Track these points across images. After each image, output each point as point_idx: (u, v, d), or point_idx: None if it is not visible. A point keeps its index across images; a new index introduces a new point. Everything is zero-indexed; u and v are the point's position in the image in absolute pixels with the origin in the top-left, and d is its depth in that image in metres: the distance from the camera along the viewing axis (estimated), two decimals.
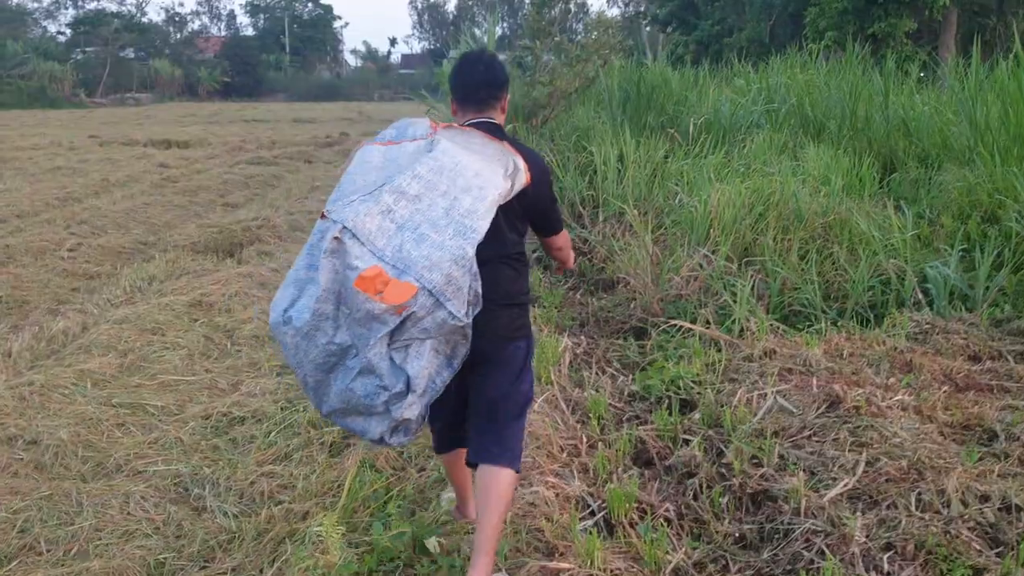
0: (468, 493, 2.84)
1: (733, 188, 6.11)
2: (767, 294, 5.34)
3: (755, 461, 3.41)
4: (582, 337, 5.42)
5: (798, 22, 31.17)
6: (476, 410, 2.58)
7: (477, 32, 13.38)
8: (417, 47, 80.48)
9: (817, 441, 3.43)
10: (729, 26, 33.06)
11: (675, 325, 5.03)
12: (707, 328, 4.88)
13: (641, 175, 7.68)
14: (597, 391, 4.29)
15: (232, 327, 5.42)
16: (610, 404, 4.14)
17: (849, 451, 3.27)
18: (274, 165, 15.52)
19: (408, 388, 2.27)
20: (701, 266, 5.66)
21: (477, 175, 2.34)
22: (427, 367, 2.29)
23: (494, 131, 2.59)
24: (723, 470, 3.41)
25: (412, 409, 2.30)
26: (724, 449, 3.56)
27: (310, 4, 74.16)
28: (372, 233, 2.19)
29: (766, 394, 3.89)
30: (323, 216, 2.28)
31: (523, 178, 2.45)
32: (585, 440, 3.66)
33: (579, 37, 9.60)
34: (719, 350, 4.70)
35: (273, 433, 3.64)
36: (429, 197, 2.27)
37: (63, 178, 13.34)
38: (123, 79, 55.07)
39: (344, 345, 2.24)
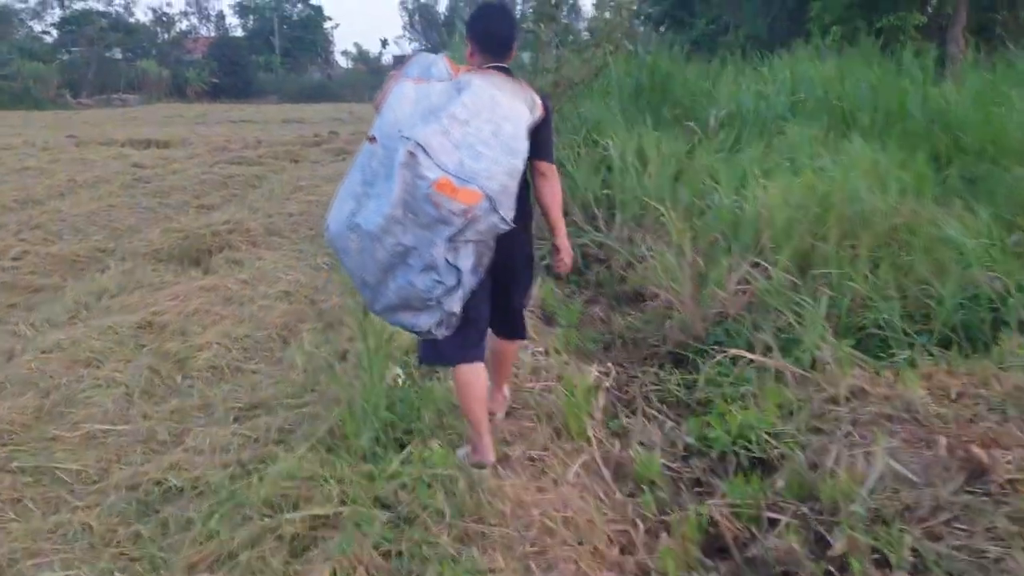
0: (485, 425, 3.02)
1: (783, 186, 5.18)
2: (835, 313, 4.39)
3: (877, 557, 2.47)
4: (609, 365, 4.47)
5: (797, 18, 30.24)
6: (504, 303, 3.08)
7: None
8: (408, 48, 79.31)
9: (964, 531, 2.49)
10: (725, 24, 32.19)
11: (727, 353, 4.08)
12: (771, 358, 3.94)
13: (665, 172, 6.74)
14: (643, 445, 3.35)
15: (185, 355, 4.45)
16: (663, 464, 3.20)
17: (1021, 551, 2.34)
18: (257, 165, 14.52)
19: (458, 283, 2.70)
20: (751, 278, 4.73)
21: (510, 107, 2.74)
22: (468, 267, 2.72)
23: (507, 73, 2.94)
24: (833, 569, 2.47)
25: (457, 303, 2.74)
26: (828, 536, 2.62)
27: (300, 5, 72.96)
28: (436, 150, 2.57)
29: (872, 453, 2.95)
30: (371, 140, 2.72)
31: (539, 111, 2.84)
32: (640, 525, 2.71)
33: (587, 22, 8.65)
34: (785, 384, 3.77)
35: (217, 516, 2.68)
36: (475, 123, 2.64)
37: (28, 179, 12.33)
38: (110, 80, 53.85)
39: (408, 246, 2.63)
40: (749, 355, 3.95)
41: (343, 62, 78.43)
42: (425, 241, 2.60)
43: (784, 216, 4.87)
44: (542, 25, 8.55)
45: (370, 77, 64.18)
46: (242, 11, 73.13)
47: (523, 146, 2.73)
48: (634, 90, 9.47)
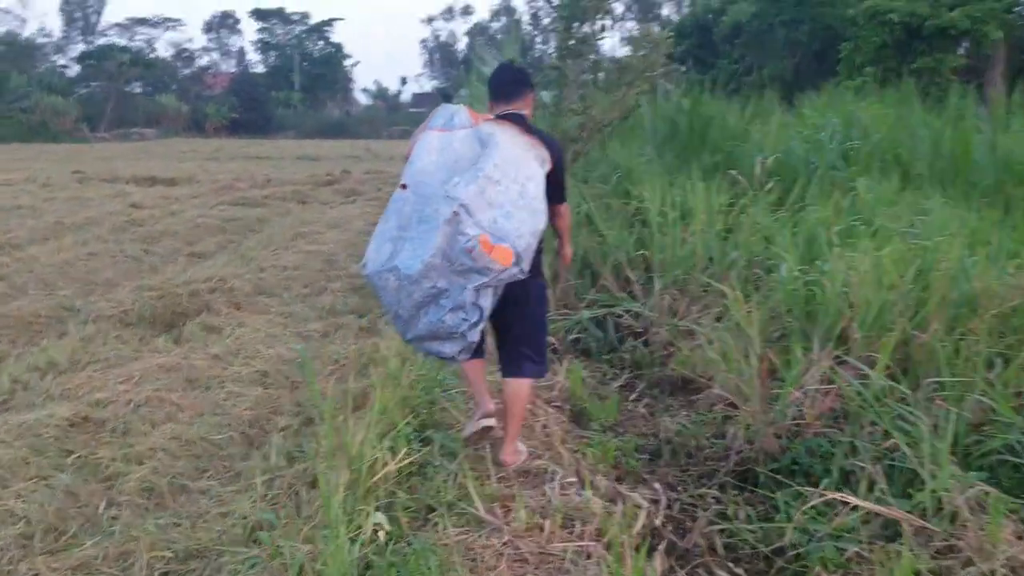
0: (484, 391, 3.45)
1: (868, 257, 4.21)
2: (948, 431, 3.39)
3: None
4: (658, 487, 3.51)
5: (824, 59, 29.53)
6: (508, 335, 3.43)
7: (485, 70, 11.81)
8: (428, 86, 79.24)
9: None
10: (748, 64, 31.49)
11: (823, 496, 3.08)
12: (883, 503, 2.94)
13: (712, 230, 5.80)
14: None
15: (118, 470, 3.51)
16: None
17: None
18: (261, 206, 13.70)
19: (481, 319, 3.06)
20: (835, 376, 3.74)
21: (529, 166, 3.11)
22: (488, 305, 3.08)
23: (521, 121, 3.33)
24: None
25: (478, 335, 3.13)
26: None
27: (321, 42, 73.22)
28: (474, 209, 2.90)
29: None
30: (403, 187, 3.09)
31: (548, 165, 3.21)
32: None
33: (616, 54, 7.74)
34: (898, 538, 2.78)
35: None
36: (505, 183, 2.99)
37: (14, 220, 11.56)
38: (128, 114, 53.84)
39: (442, 288, 2.96)
40: (852, 499, 2.94)
41: (362, 99, 78.42)
42: (457, 286, 2.95)
43: (876, 298, 3.89)
44: (568, 62, 7.68)
45: (388, 114, 63.99)
46: (263, 48, 73.39)
47: (544, 207, 3.13)
48: (668, 134, 8.59)
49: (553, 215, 3.33)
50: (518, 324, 3.36)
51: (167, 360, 4.88)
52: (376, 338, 5.39)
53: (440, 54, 79.04)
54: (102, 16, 71.11)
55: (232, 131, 54.38)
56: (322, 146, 38.79)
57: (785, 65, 30.92)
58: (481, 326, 3.08)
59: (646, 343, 5.40)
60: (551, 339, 5.38)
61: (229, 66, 75.30)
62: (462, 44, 76.48)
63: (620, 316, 5.69)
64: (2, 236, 9.83)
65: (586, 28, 8.05)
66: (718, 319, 5.30)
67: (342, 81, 75.12)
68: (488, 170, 2.93)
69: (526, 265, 3.02)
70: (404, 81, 79.98)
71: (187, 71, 68.15)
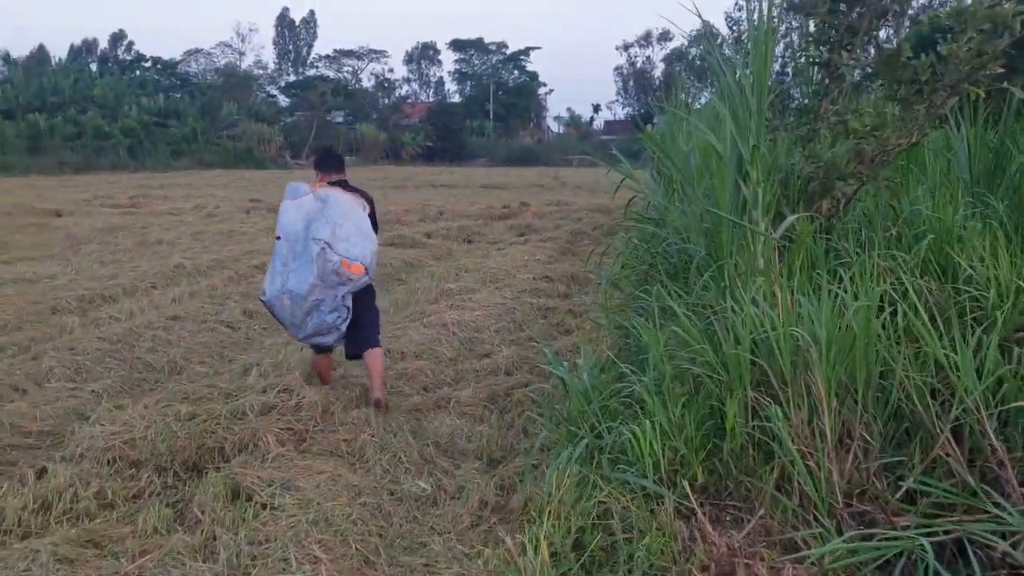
0: (329, 374, 5.03)
1: None
2: None
3: None
4: None
5: None
6: (357, 323, 4.79)
7: (682, 96, 9.53)
8: (621, 113, 76.70)
9: None
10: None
11: None
12: None
13: None
14: None
15: None
16: None
17: None
18: (418, 247, 11.67)
19: (349, 314, 4.68)
20: None
21: (357, 211, 4.71)
22: (350, 305, 4.71)
23: (345, 184, 4.90)
24: None
25: (345, 325, 4.69)
26: None
27: (516, 71, 72.80)
28: (333, 243, 4.48)
29: None
30: (278, 238, 4.64)
31: (368, 208, 4.88)
32: None
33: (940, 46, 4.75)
34: None
35: None
36: (345, 225, 4.57)
37: (137, 260, 10.10)
38: (329, 142, 55.19)
39: (321, 299, 4.52)
40: None
41: (555, 127, 77.15)
42: (331, 295, 4.56)
43: None
44: (843, 54, 4.84)
45: (580, 142, 62.03)
46: (460, 77, 73.93)
47: (374, 235, 4.81)
48: (987, 171, 5.51)
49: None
50: (364, 315, 4.85)
51: (146, 561, 2.53)
52: (519, 533, 2.82)
53: (634, 81, 76.35)
54: (312, 49, 74.16)
55: (427, 159, 54.55)
56: (510, 174, 37.18)
57: None
58: (349, 319, 4.68)
59: None
60: None
61: (427, 95, 76.48)
62: (658, 71, 73.47)
63: (976, 537, 2.80)
64: (101, 284, 8.20)
65: (863, 9, 5.19)
66: None
67: (535, 109, 74.25)
68: (334, 218, 4.54)
69: (372, 274, 4.81)
70: (597, 108, 77.98)
71: (387, 100, 69.54)
